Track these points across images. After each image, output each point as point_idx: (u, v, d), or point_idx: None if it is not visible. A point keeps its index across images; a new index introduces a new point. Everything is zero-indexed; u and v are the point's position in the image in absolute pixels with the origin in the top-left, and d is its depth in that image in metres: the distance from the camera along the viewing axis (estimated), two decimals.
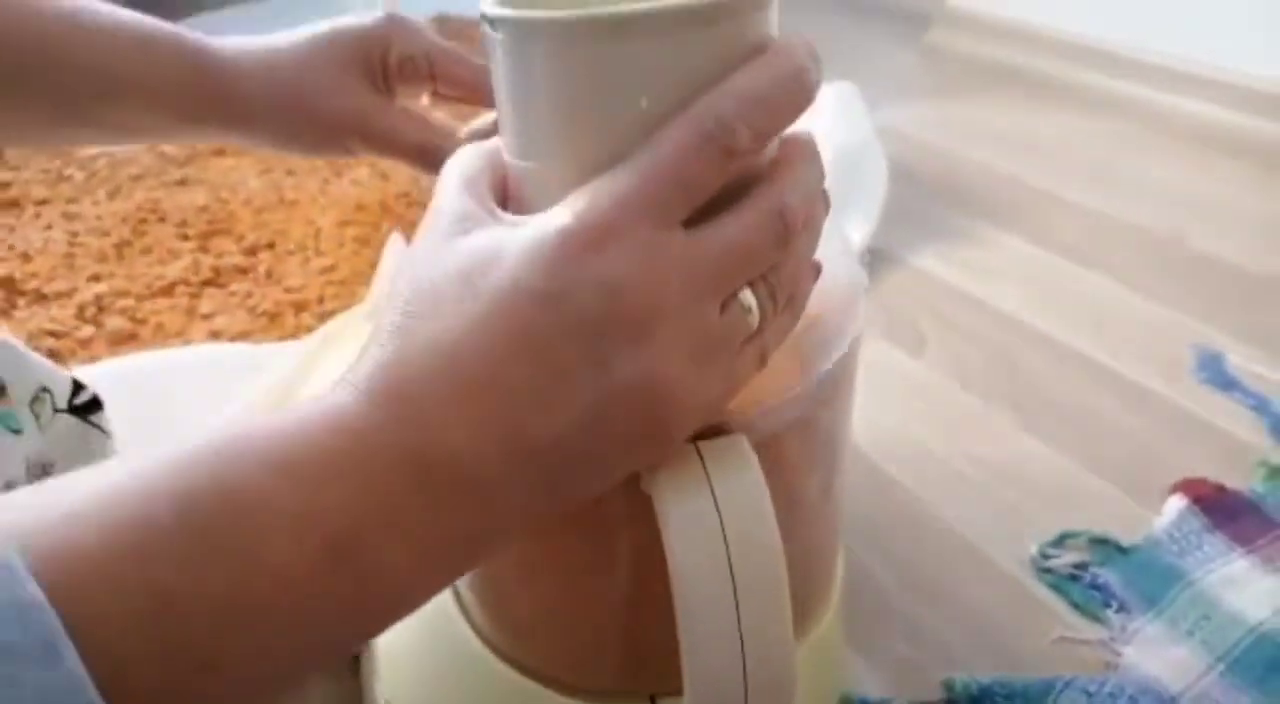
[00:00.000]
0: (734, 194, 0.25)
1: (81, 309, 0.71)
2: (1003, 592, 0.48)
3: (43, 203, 0.90)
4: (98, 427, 0.45)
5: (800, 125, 0.26)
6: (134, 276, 0.76)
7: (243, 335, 0.69)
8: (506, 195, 0.28)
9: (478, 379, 0.23)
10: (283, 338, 0.68)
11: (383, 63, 0.43)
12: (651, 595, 0.29)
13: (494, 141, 0.28)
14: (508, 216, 0.25)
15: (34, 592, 0.17)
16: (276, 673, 0.21)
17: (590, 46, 0.24)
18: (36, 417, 0.42)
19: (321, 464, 0.22)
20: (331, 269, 0.76)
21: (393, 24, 0.44)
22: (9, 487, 0.39)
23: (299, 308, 0.71)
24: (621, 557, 0.32)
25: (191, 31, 0.43)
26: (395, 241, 0.74)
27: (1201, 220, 0.82)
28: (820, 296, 0.29)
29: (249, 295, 0.73)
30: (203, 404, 0.57)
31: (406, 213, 0.84)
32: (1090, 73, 1.14)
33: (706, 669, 0.27)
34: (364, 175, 0.91)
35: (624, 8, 0.23)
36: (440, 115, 0.48)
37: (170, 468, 0.20)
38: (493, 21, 0.25)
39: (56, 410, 0.43)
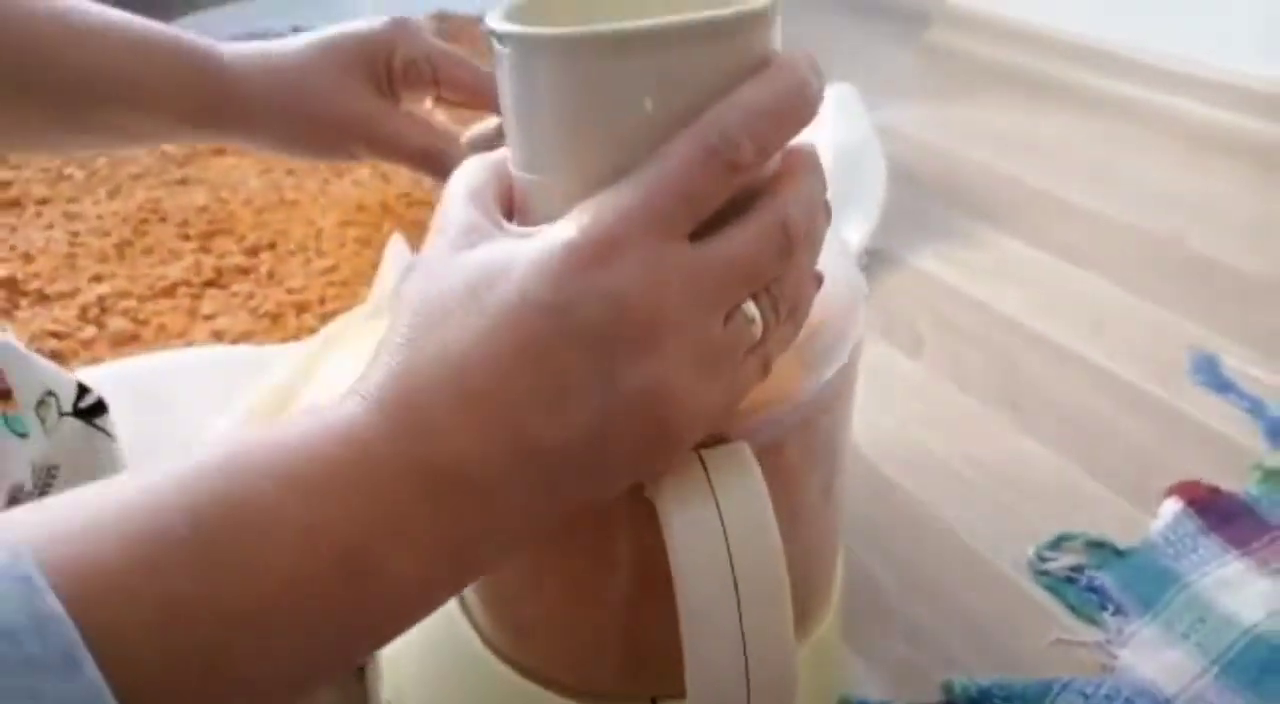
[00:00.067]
0: (737, 206, 0.25)
1: (84, 310, 0.71)
2: (1000, 593, 0.48)
3: (43, 202, 0.90)
4: (103, 430, 0.46)
5: (802, 134, 0.27)
6: (136, 277, 0.76)
7: (245, 336, 0.69)
8: (512, 206, 0.28)
9: (485, 390, 0.23)
10: (285, 339, 0.69)
11: (387, 67, 0.44)
12: (653, 598, 0.30)
13: (500, 153, 0.29)
14: (514, 228, 0.26)
15: (53, 604, 0.18)
16: (288, 681, 0.22)
17: (594, 62, 0.24)
18: (42, 420, 0.42)
19: (330, 475, 0.22)
20: (333, 270, 0.76)
21: (396, 28, 0.44)
22: (16, 490, 0.39)
23: (301, 309, 0.72)
24: (623, 560, 0.32)
25: (192, 34, 0.43)
26: (396, 242, 0.74)
27: (1200, 222, 0.82)
28: (821, 304, 0.30)
29: (251, 296, 0.74)
30: (206, 406, 0.57)
31: (407, 213, 0.84)
32: (1090, 73, 1.14)
33: (709, 673, 0.27)
34: (365, 176, 0.91)
35: (628, 24, 0.24)
36: (441, 119, 0.48)
37: (183, 481, 0.21)
38: (499, 37, 0.25)
39: (62, 414, 0.44)
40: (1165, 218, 0.83)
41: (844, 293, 0.33)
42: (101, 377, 0.58)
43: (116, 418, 0.46)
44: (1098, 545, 0.50)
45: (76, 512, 0.20)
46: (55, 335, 0.68)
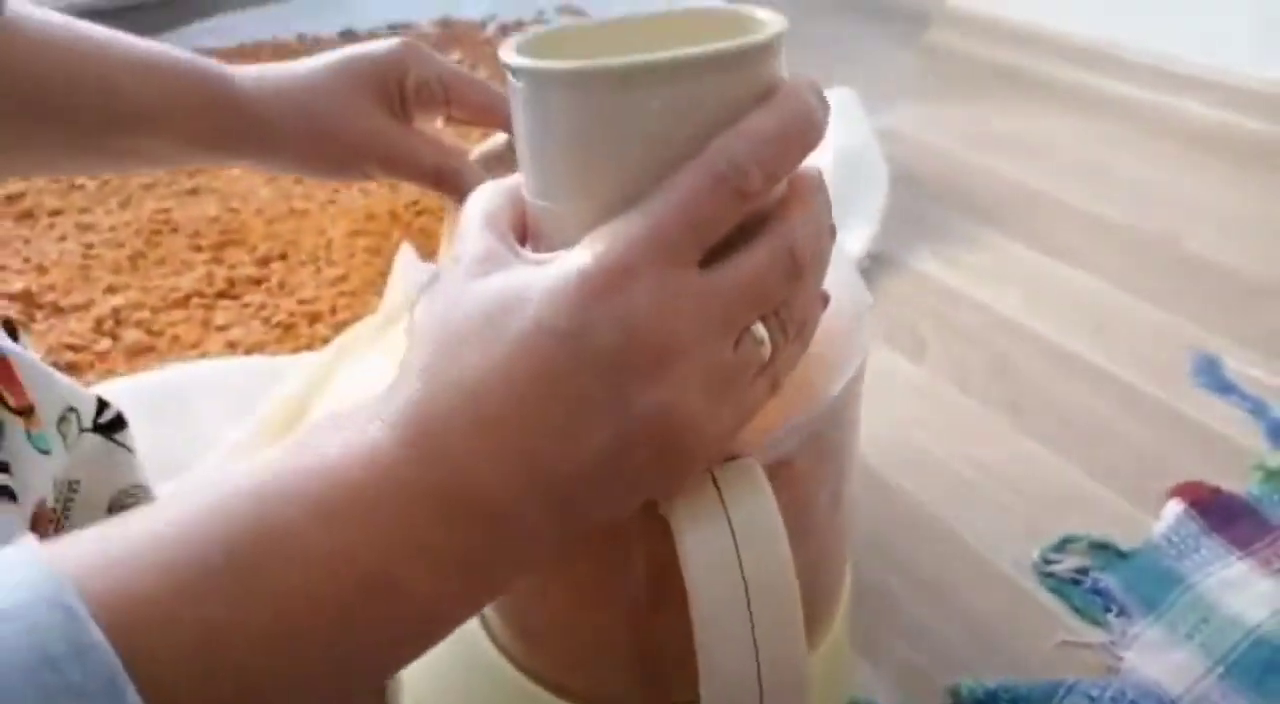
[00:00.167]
0: (745, 229, 0.26)
1: (99, 322, 0.72)
2: (1005, 595, 0.49)
3: (56, 213, 0.91)
4: (122, 445, 0.46)
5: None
6: (149, 288, 0.77)
7: (258, 347, 0.70)
8: (526, 230, 0.29)
9: (502, 416, 0.24)
10: (297, 349, 0.70)
11: (399, 87, 0.44)
12: (666, 608, 0.31)
13: (514, 179, 0.29)
14: (529, 254, 0.27)
15: (95, 634, 0.19)
16: (318, 702, 0.22)
17: (605, 94, 0.25)
18: (64, 436, 0.43)
19: (353, 500, 0.23)
20: (343, 279, 0.77)
21: (408, 49, 0.45)
22: (39, 506, 0.40)
23: (312, 319, 0.72)
24: (636, 571, 0.33)
25: (208, 59, 0.44)
26: (406, 252, 0.75)
27: (1199, 223, 0.83)
28: (827, 320, 0.31)
29: (263, 307, 0.74)
30: (221, 418, 0.58)
31: (416, 221, 0.85)
32: (1090, 73, 1.14)
33: (723, 683, 0.28)
34: (373, 185, 0.92)
35: (637, 58, 0.24)
36: (449, 136, 0.49)
37: (216, 510, 0.22)
38: (513, 71, 0.26)
39: (82, 429, 0.44)
40: (1165, 219, 0.84)
41: (848, 307, 0.34)
42: (119, 390, 0.59)
43: (135, 431, 0.47)
44: (1101, 547, 0.51)
45: (116, 541, 0.21)
46: (71, 347, 0.69)
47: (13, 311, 0.73)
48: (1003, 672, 0.45)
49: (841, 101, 0.87)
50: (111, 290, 0.77)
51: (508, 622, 0.38)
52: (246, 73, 0.45)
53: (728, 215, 0.25)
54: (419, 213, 0.86)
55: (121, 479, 0.46)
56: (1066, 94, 1.13)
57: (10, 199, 0.93)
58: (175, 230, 0.86)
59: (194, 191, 0.94)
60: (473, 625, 0.39)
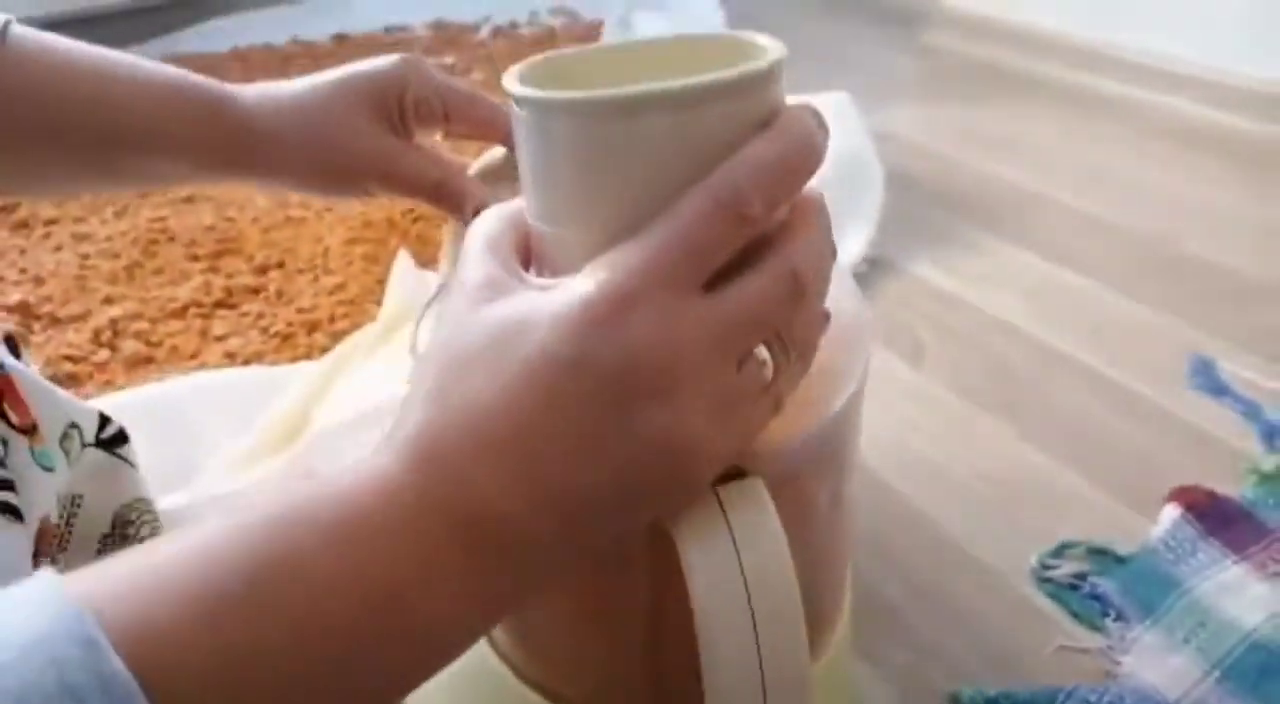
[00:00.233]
0: (748, 252, 0.26)
1: (97, 333, 0.72)
2: (1004, 601, 0.50)
3: (52, 222, 0.91)
4: (125, 459, 0.47)
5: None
6: (147, 299, 0.77)
7: (256, 357, 0.70)
8: (529, 254, 0.29)
9: (509, 441, 0.24)
10: (296, 358, 0.70)
11: (399, 104, 0.45)
12: (668, 621, 0.31)
13: (515, 203, 0.30)
14: (533, 279, 0.27)
15: (117, 665, 0.19)
16: None
17: (609, 124, 0.25)
18: (67, 453, 0.43)
19: (367, 526, 0.23)
20: (341, 288, 0.77)
21: (407, 66, 0.45)
22: (44, 522, 0.40)
23: (311, 328, 0.73)
24: (639, 584, 0.33)
25: (210, 79, 0.44)
26: (403, 259, 0.75)
27: (1198, 224, 0.83)
28: (828, 336, 0.31)
29: (261, 316, 0.75)
30: (223, 430, 0.58)
31: (413, 228, 0.85)
32: (1086, 73, 1.15)
33: (728, 698, 0.29)
34: None
35: (639, 88, 0.25)
36: (444, 150, 0.49)
37: (234, 538, 0.22)
38: (517, 100, 0.26)
39: (85, 445, 0.45)
40: (1161, 220, 0.84)
41: (849, 324, 0.34)
42: (120, 404, 0.59)
43: (136, 444, 0.48)
44: (1099, 552, 0.51)
45: (137, 571, 0.21)
46: (70, 359, 0.69)
47: (11, 323, 0.73)
48: (1003, 677, 0.45)
49: (837, 105, 0.88)
50: (109, 301, 0.77)
51: (509, 631, 0.38)
52: (248, 92, 0.45)
53: (730, 242, 0.25)
54: (416, 220, 0.86)
55: (124, 494, 0.46)
56: (1062, 94, 1.13)
57: (5, 209, 0.93)
58: (172, 239, 0.86)
59: (189, 200, 0.94)
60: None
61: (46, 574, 0.21)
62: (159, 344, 0.72)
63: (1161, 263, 0.78)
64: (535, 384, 0.24)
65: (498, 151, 0.48)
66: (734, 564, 0.27)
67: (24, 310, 0.75)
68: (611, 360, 0.24)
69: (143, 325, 0.73)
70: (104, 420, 0.46)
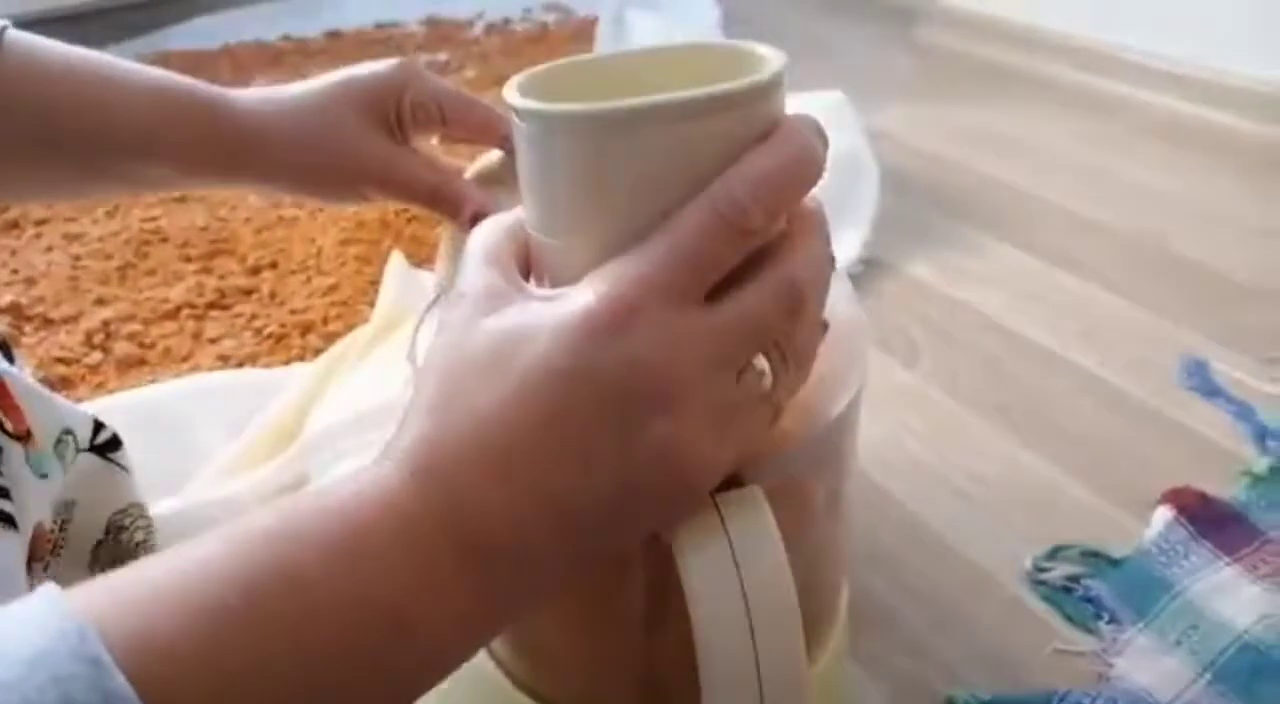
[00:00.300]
0: (746, 262, 0.26)
1: (89, 336, 0.72)
2: (998, 604, 0.50)
3: (42, 222, 0.91)
4: (119, 464, 0.47)
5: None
6: (139, 300, 0.77)
7: (250, 359, 0.70)
8: (529, 263, 0.29)
9: (511, 453, 0.24)
10: (289, 360, 0.70)
11: (396, 109, 0.45)
12: (666, 628, 0.31)
13: (514, 213, 0.30)
14: (534, 290, 0.27)
15: (121, 683, 0.19)
16: None
17: (610, 136, 0.25)
18: (61, 459, 0.43)
19: (368, 539, 0.23)
20: (334, 289, 0.77)
21: (404, 70, 0.45)
22: (38, 528, 0.40)
23: (304, 329, 0.72)
24: (637, 592, 0.33)
25: (207, 84, 0.44)
26: (396, 260, 0.75)
27: (1192, 224, 0.84)
28: (826, 344, 0.31)
29: (254, 317, 0.74)
30: (217, 434, 0.58)
31: (407, 229, 0.85)
32: (1080, 72, 1.15)
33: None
34: None
35: (641, 100, 0.25)
36: (440, 154, 0.49)
37: (234, 553, 0.22)
38: (518, 112, 0.26)
39: (79, 450, 0.45)
40: (1155, 220, 0.85)
41: (846, 331, 0.34)
42: (114, 407, 0.58)
43: (130, 448, 0.47)
44: (1092, 555, 0.51)
45: (138, 587, 0.21)
46: (62, 361, 0.69)
47: (2, 325, 0.72)
48: (997, 680, 0.46)
49: (833, 105, 0.88)
50: (101, 302, 0.77)
51: (507, 638, 0.38)
52: (244, 96, 0.45)
53: (730, 253, 0.25)
54: (410, 220, 0.86)
55: (118, 499, 0.46)
56: (1057, 93, 1.14)
57: None
58: (165, 240, 0.86)
59: (182, 200, 0.94)
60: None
61: (47, 590, 0.21)
62: (152, 346, 0.71)
63: (1156, 264, 0.79)
64: (537, 395, 0.24)
65: (493, 155, 0.48)
66: (732, 573, 0.27)
67: (15, 312, 0.75)
68: (613, 372, 0.24)
69: (135, 327, 0.73)
70: (98, 426, 0.46)
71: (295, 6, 1.64)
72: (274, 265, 0.81)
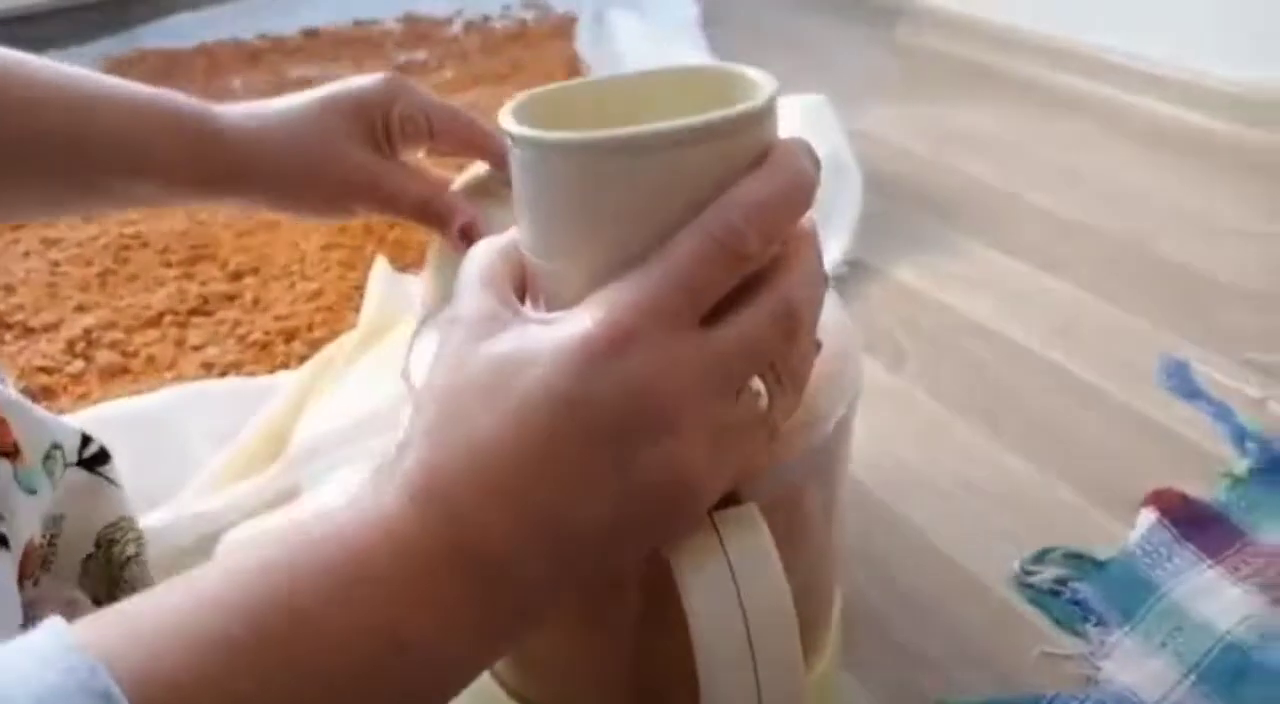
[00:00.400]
0: (741, 285, 0.27)
1: (71, 344, 0.71)
2: (986, 607, 0.50)
3: (19, 228, 0.90)
4: (107, 478, 0.46)
5: None
6: (120, 308, 0.76)
7: (234, 366, 0.69)
8: (524, 286, 0.29)
9: (510, 477, 0.24)
10: (274, 368, 0.69)
11: (384, 122, 0.44)
12: (662, 639, 0.31)
13: (508, 235, 0.30)
14: (530, 313, 0.27)
15: None
16: None
17: (605, 163, 0.25)
18: (50, 474, 0.43)
19: (370, 566, 0.23)
20: (318, 294, 0.77)
21: (392, 84, 0.45)
22: (29, 544, 0.40)
23: (289, 336, 0.72)
24: (634, 605, 0.34)
25: (193, 99, 0.44)
26: (380, 265, 0.75)
27: (1172, 225, 0.84)
28: (820, 361, 0.31)
29: (237, 324, 0.74)
30: (204, 444, 0.58)
31: (389, 233, 0.85)
32: (1061, 73, 1.16)
33: None
34: None
35: (635, 129, 0.25)
36: (427, 165, 0.49)
37: (237, 583, 0.22)
38: (513, 138, 0.26)
39: (67, 465, 0.44)
40: (1135, 221, 0.85)
41: (839, 346, 0.35)
42: (100, 418, 0.58)
43: (117, 459, 0.47)
44: (1078, 558, 0.52)
45: (141, 620, 0.21)
46: (44, 371, 0.68)
47: None
48: (986, 685, 0.46)
49: (814, 108, 0.88)
50: (81, 309, 0.76)
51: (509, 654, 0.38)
52: (230, 112, 0.44)
53: (726, 279, 0.26)
54: (393, 224, 0.86)
55: (108, 513, 0.46)
56: (1038, 93, 1.14)
57: None
58: (145, 245, 0.85)
59: None
60: None
61: (52, 624, 0.21)
62: (135, 354, 0.71)
63: (1137, 265, 0.79)
64: (536, 420, 0.24)
65: (480, 167, 0.48)
66: (731, 592, 0.28)
67: None
68: (611, 396, 0.24)
69: (117, 335, 0.72)
70: (85, 439, 0.45)
71: (271, 5, 1.63)
72: (256, 271, 0.81)
